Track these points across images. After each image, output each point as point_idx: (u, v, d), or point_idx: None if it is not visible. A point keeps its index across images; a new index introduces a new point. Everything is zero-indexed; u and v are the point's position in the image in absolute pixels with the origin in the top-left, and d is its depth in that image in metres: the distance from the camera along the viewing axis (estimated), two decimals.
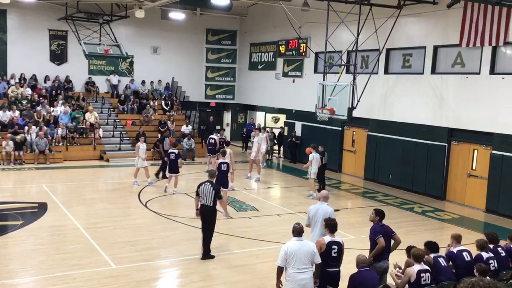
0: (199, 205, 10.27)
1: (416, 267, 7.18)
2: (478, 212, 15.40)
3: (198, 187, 10.28)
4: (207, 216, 10.22)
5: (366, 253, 7.68)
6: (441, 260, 7.67)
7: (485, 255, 7.94)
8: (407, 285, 7.16)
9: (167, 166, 16.44)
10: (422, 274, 7.10)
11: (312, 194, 16.03)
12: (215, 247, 10.99)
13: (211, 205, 10.15)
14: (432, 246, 7.87)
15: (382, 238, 7.76)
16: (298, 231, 7.14)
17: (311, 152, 16.15)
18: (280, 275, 7.09)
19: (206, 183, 10.25)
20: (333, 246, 7.21)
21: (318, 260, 7.10)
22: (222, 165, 13.90)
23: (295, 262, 6.95)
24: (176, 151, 16.06)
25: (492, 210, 15.23)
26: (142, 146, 17.11)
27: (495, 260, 7.98)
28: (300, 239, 7.10)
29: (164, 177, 17.46)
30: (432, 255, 7.72)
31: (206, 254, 10.32)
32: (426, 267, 7.26)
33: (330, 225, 7.19)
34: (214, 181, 10.56)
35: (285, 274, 7.10)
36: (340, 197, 17.50)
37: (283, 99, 24.65)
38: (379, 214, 8.06)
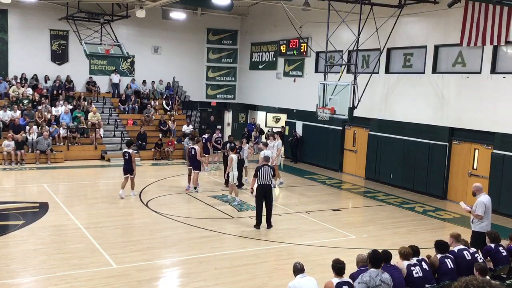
0: (256, 185, 12.00)
1: (405, 262, 7.25)
2: None
3: (257, 170, 11.97)
4: (267, 192, 12.08)
5: (366, 252, 7.66)
6: (448, 261, 7.61)
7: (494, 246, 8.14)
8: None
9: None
10: (412, 268, 7.17)
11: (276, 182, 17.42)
12: (216, 247, 11.03)
13: (270, 183, 12.10)
14: (441, 247, 7.79)
15: None
16: (299, 269, 6.89)
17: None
18: None
19: (264, 166, 12.00)
20: (343, 287, 6.83)
21: None
22: (191, 150, 15.72)
23: None
24: (196, 147, 16.25)
25: (493, 209, 15.10)
26: (235, 158, 15.10)
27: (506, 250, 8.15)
28: (304, 276, 6.84)
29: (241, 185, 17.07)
30: (439, 256, 7.68)
31: (270, 222, 12.16)
32: (415, 261, 7.28)
33: (337, 268, 6.86)
34: (269, 164, 12.50)
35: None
36: (341, 196, 17.52)
37: (284, 98, 24.65)
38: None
